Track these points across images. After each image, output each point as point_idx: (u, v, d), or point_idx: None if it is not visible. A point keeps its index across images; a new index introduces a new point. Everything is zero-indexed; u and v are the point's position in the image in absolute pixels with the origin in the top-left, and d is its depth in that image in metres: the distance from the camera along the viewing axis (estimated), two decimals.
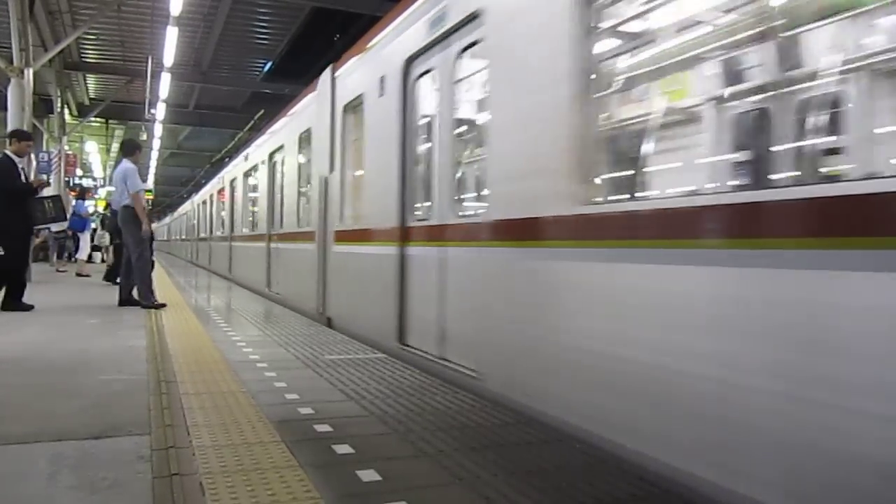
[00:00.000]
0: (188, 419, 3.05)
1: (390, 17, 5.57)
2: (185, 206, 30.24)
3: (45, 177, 8.80)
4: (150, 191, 27.12)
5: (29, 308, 7.15)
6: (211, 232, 18.91)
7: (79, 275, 13.40)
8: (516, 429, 3.03)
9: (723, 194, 2.80)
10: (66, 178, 20.75)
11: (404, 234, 5.04)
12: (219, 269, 16.33)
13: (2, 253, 6.81)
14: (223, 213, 16.65)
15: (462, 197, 4.72)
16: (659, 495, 2.30)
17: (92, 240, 16.22)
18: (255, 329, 6.28)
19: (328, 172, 7.06)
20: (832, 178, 2.90)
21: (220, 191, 16.97)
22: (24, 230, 7.44)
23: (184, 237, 29.28)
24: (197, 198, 24.13)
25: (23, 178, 7.34)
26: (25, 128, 11.80)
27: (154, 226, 11.81)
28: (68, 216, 11.58)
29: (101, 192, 27.26)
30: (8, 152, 7.42)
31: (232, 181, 14.85)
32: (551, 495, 2.27)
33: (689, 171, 3.88)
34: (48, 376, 3.97)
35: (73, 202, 16.37)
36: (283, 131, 9.81)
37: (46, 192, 8.03)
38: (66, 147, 21.66)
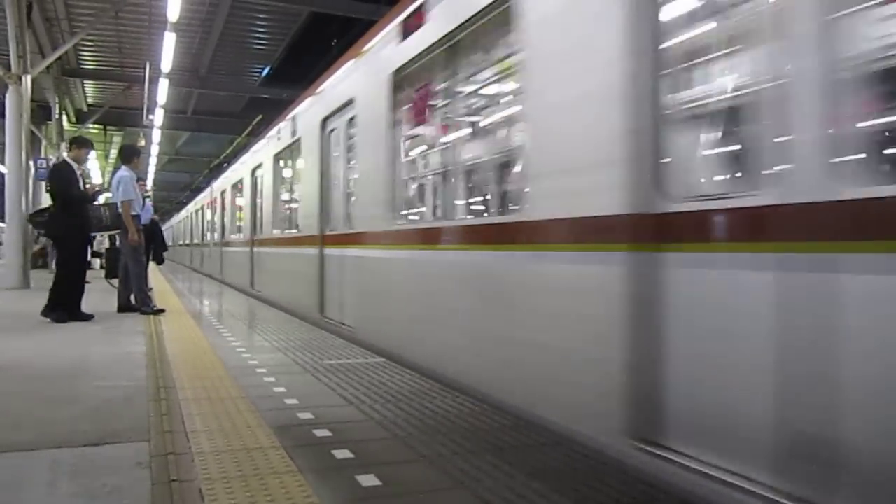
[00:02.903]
0: (187, 425, 3.05)
1: (312, 89, 7.95)
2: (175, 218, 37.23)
3: (99, 184, 8.36)
4: (147, 196, 27.08)
5: (89, 317, 6.98)
6: (191, 239, 24.25)
7: None
8: (516, 432, 3.03)
9: (423, 222, 5.40)
10: None
11: (323, 240, 7.31)
12: (197, 267, 21.55)
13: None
14: (199, 224, 22.10)
15: (350, 215, 6.74)
16: (660, 498, 2.30)
17: (91, 245, 16.18)
18: (254, 334, 6.28)
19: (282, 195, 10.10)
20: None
21: (198, 210, 23.35)
22: (81, 237, 7.24)
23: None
24: (180, 214, 31.29)
25: (81, 184, 7.18)
26: (23, 135, 11.83)
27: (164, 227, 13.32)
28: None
29: (101, 199, 27.15)
30: (67, 158, 7.30)
31: (200, 207, 21.50)
32: (552, 498, 2.26)
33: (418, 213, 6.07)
34: (48, 383, 3.96)
35: None
36: (249, 161, 13.04)
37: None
38: (65, 154, 21.66)
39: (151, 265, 11.17)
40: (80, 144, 7.58)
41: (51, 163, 19.55)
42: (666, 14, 2.68)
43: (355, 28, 13.89)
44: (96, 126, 24.58)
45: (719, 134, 2.70)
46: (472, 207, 5.12)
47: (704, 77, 2.72)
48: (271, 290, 9.94)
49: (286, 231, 9.46)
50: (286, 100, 13.91)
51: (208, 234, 18.72)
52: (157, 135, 23.94)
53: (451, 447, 2.79)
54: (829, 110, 2.00)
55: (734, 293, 2.28)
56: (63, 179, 7.04)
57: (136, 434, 2.90)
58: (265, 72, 20.30)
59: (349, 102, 6.37)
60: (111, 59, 19.16)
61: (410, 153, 5.61)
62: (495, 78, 4.68)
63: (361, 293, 5.97)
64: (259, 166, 11.46)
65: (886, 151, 2.30)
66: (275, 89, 20.26)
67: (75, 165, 7.22)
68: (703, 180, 2.82)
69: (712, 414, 2.34)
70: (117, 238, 8.30)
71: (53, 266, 15.96)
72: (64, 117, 21.27)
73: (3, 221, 12.96)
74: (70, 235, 7.05)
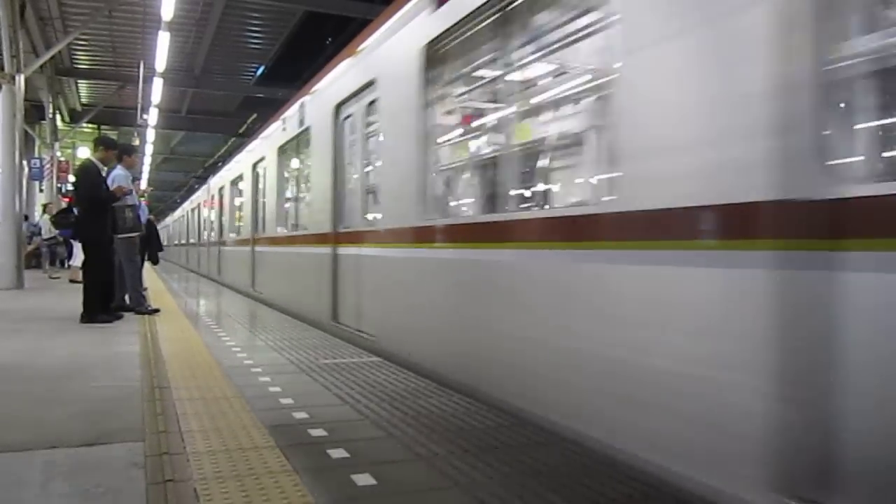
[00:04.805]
0: (182, 425, 3.04)
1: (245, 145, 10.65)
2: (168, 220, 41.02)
3: (134, 186, 7.78)
4: (143, 195, 27.00)
5: (117, 318, 6.91)
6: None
7: (72, 281, 13.30)
8: (511, 431, 3.03)
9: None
10: (59, 185, 20.63)
11: (254, 241, 9.60)
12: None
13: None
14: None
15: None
16: (654, 496, 2.31)
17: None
18: (249, 334, 6.26)
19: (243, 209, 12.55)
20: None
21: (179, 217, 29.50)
22: (107, 239, 7.07)
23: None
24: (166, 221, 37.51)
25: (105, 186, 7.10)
26: (17, 134, 11.76)
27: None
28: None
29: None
30: (94, 159, 7.21)
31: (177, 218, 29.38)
32: (547, 497, 2.27)
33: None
34: (41, 383, 3.95)
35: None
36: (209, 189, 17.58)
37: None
38: (59, 153, 21.57)
39: (147, 266, 11.15)
40: (108, 146, 7.44)
41: (44, 161, 19.51)
42: None
43: (349, 27, 13.89)
44: (90, 125, 24.49)
45: None
46: None
47: None
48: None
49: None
50: (281, 99, 13.87)
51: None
52: (151, 134, 23.85)
53: (446, 446, 2.79)
54: None
55: None
56: (90, 180, 6.95)
57: (131, 434, 2.89)
58: (260, 71, 20.24)
59: None
60: (105, 59, 19.07)
61: None
62: None
63: None
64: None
65: None
66: (270, 88, 20.18)
67: (101, 167, 7.14)
68: None
69: None
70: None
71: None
72: (58, 117, 21.18)
73: None
74: (102, 237, 6.96)
